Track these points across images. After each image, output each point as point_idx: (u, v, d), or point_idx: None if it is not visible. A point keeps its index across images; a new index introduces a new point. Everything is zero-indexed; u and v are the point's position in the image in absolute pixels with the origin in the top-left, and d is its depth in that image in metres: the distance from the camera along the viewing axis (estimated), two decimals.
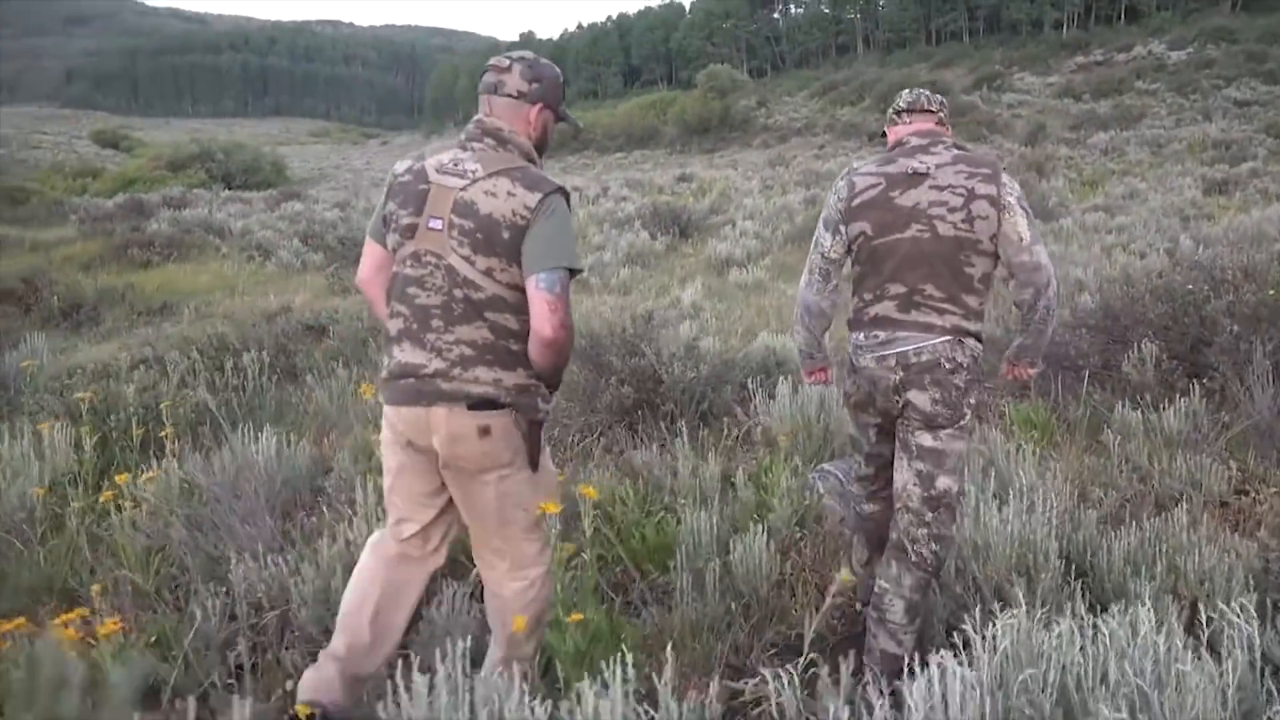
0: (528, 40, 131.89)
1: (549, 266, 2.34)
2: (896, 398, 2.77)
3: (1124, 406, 4.19)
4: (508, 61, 2.59)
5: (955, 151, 2.83)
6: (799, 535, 3.64)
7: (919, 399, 2.72)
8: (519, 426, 2.44)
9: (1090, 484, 3.91)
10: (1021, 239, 2.71)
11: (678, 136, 51.47)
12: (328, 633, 2.70)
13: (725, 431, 5.27)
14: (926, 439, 2.76)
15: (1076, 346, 4.99)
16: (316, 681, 2.41)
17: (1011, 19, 77.53)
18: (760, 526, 3.25)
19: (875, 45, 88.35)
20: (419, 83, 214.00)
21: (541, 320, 2.32)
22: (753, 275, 11.36)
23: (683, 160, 43.65)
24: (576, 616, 2.25)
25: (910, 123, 2.96)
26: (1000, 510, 2.81)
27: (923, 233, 2.73)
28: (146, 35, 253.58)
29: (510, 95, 2.55)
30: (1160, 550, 2.67)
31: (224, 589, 3.04)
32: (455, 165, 2.46)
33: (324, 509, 3.69)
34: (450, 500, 2.57)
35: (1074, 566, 2.84)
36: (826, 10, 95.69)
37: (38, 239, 17.81)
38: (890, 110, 3.05)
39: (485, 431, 2.39)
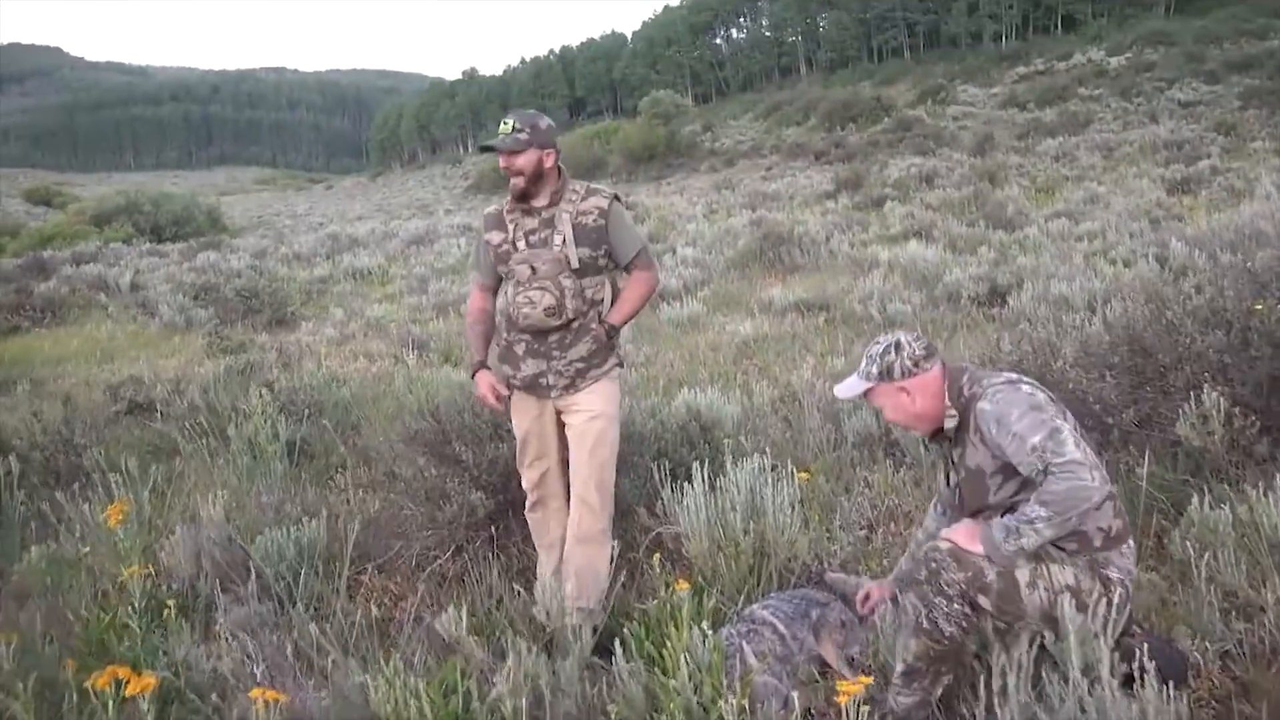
0: (471, 77, 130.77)
1: None
2: None
3: (1205, 499, 2.78)
4: None
5: None
6: None
7: None
8: None
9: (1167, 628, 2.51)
10: None
11: (623, 165, 50.20)
12: None
13: (626, 543, 3.84)
14: None
15: (1100, 395, 3.61)
16: None
17: (951, 33, 77.75)
18: None
19: (818, 66, 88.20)
20: (366, 125, 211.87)
21: None
22: (689, 309, 9.95)
23: (628, 189, 42.43)
24: None
25: (940, 363, 2.67)
26: None
27: None
28: (85, 90, 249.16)
29: None
30: None
31: None
32: None
33: None
34: None
35: None
36: (768, 34, 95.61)
37: None
38: (908, 363, 2.62)
39: None
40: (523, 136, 3.31)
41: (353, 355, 9.65)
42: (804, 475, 3.75)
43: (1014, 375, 2.56)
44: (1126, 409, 3.55)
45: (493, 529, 3.81)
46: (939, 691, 2.42)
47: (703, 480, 3.47)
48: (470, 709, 2.41)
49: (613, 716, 2.42)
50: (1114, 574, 2.38)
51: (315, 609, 3.59)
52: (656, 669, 2.61)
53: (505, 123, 3.36)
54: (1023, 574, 2.35)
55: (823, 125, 49.61)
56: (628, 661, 2.64)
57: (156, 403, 6.57)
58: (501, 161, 3.36)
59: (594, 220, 3.39)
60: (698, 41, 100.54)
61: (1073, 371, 3.79)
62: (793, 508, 3.43)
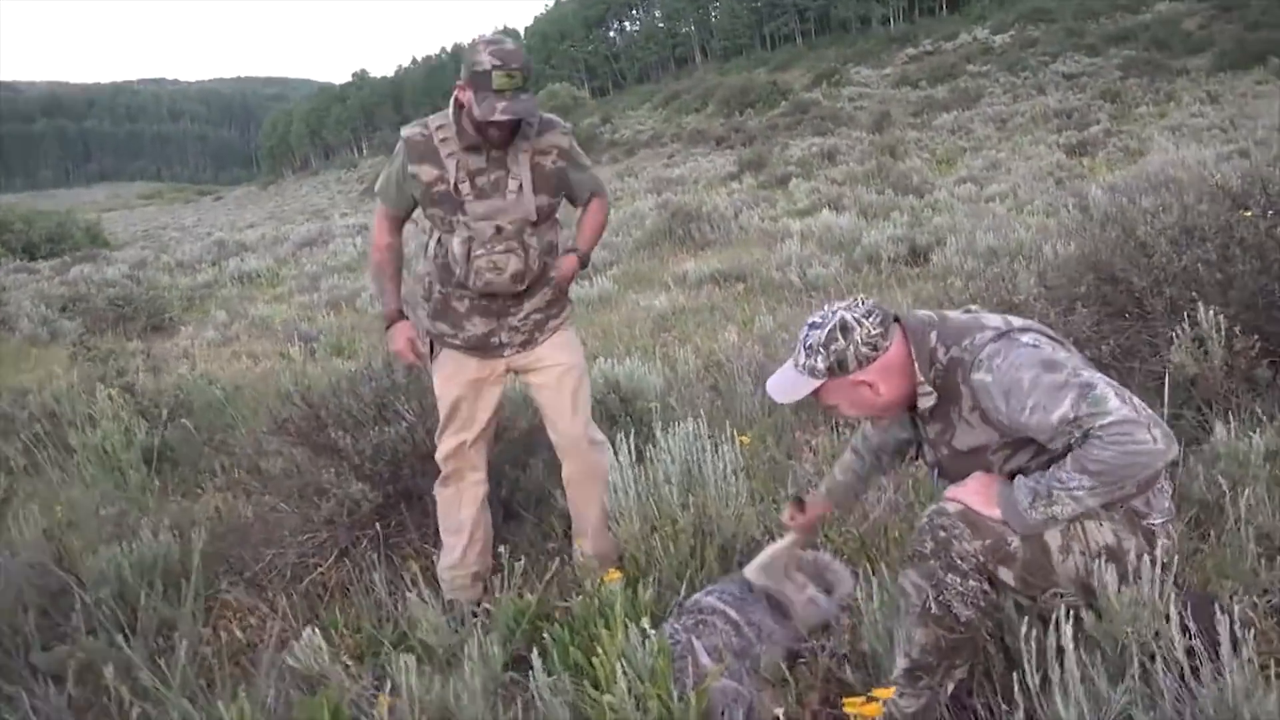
0: (362, 79, 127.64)
1: None
2: None
3: (1231, 427, 2.34)
4: None
5: None
6: None
7: None
8: None
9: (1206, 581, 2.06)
10: None
11: None
12: None
13: (542, 532, 3.29)
14: None
15: (1071, 329, 3.17)
16: None
17: (841, 18, 78.91)
18: None
19: (712, 55, 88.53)
20: (255, 134, 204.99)
21: None
22: (599, 288, 9.41)
23: None
24: None
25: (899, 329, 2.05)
26: None
27: None
28: None
29: None
30: None
31: None
32: None
33: None
34: None
35: None
36: (661, 24, 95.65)
37: None
38: (865, 348, 1.98)
39: None
40: (529, 90, 2.69)
41: (235, 356, 8.81)
42: (744, 440, 3.23)
43: (998, 321, 2.00)
44: (1104, 341, 3.13)
45: (379, 526, 3.19)
46: (950, 688, 1.92)
47: (629, 452, 2.92)
48: None
49: None
50: (1157, 522, 1.91)
51: (164, 639, 2.93)
52: (586, 681, 2.07)
53: (511, 74, 2.59)
54: (1054, 538, 1.85)
55: (721, 112, 49.59)
56: (549, 675, 2.08)
57: None
58: (499, 130, 2.68)
59: (553, 162, 2.86)
60: (591, 35, 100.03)
61: (1038, 305, 3.37)
62: (735, 475, 2.91)
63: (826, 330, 1.98)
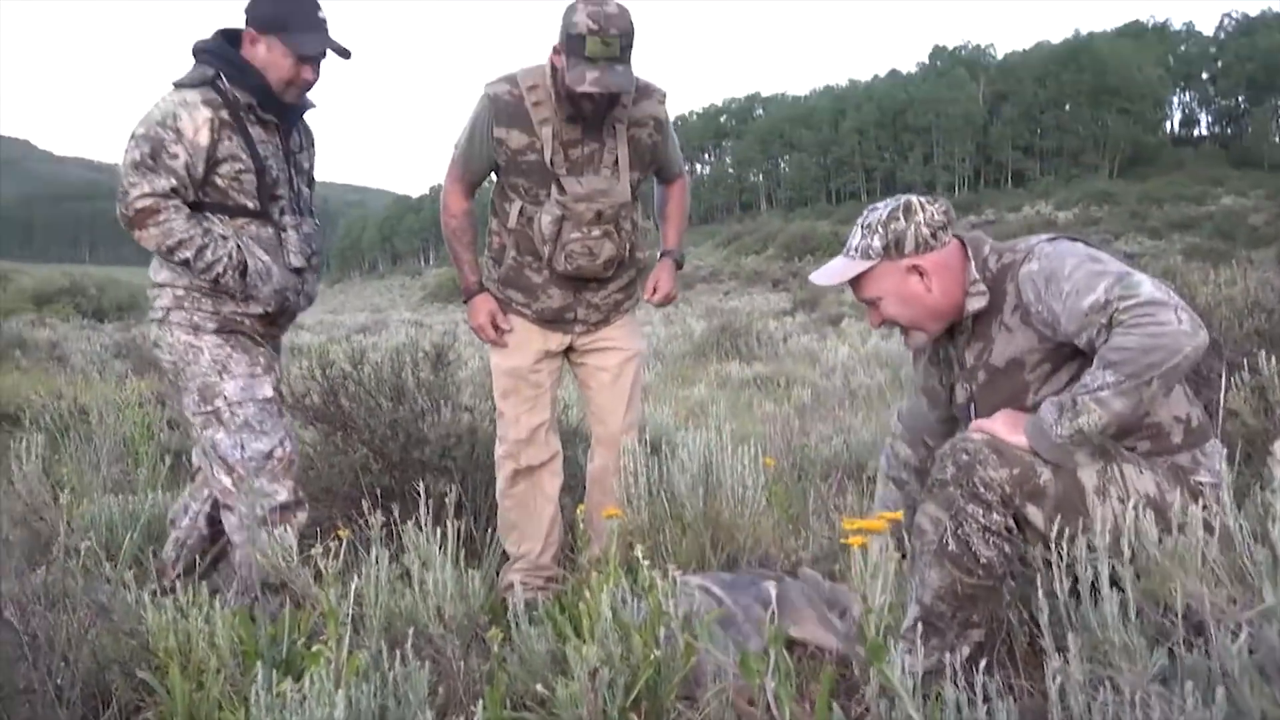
0: (436, 192, 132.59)
1: None
2: None
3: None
4: None
5: None
6: None
7: None
8: None
9: None
10: None
11: None
12: None
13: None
14: None
15: None
16: None
17: (907, 180, 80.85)
18: None
19: (778, 203, 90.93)
20: (333, 236, 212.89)
21: None
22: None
23: None
24: None
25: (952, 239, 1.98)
26: None
27: None
28: (47, 183, 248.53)
29: None
30: None
31: None
32: None
33: None
34: None
35: None
36: (731, 170, 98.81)
37: None
38: (925, 231, 1.92)
39: None
40: (626, 59, 2.46)
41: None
42: (769, 461, 3.09)
43: (1053, 234, 1.95)
44: None
45: (381, 512, 3.06)
46: (966, 653, 1.72)
47: (644, 444, 2.80)
48: (292, 650, 1.66)
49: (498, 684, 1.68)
50: (1205, 480, 1.76)
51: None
52: (569, 632, 1.91)
53: (608, 41, 2.37)
54: (1088, 476, 1.71)
55: (781, 255, 50.50)
56: (533, 625, 1.91)
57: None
58: (591, 103, 2.50)
59: (649, 136, 2.72)
60: None
61: None
62: (757, 489, 2.76)
63: (889, 209, 1.94)
